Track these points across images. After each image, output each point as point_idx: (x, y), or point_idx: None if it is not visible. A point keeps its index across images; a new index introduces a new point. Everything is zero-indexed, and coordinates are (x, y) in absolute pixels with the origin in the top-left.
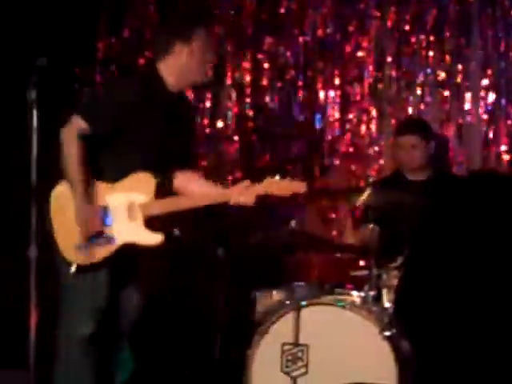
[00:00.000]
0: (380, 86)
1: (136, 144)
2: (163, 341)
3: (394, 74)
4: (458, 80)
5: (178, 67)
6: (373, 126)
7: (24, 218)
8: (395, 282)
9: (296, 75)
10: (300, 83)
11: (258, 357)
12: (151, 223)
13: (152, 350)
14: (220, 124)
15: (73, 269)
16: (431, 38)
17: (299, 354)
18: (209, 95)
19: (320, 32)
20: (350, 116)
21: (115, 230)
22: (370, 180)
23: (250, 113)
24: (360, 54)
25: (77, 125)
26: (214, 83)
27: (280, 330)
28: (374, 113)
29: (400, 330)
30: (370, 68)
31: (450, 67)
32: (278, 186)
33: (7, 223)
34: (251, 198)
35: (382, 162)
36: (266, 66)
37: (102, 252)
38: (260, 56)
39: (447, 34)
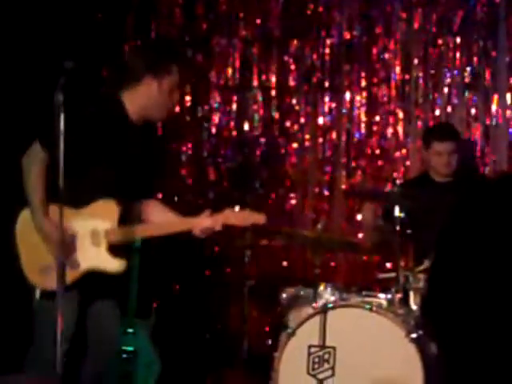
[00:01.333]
0: (407, 88)
1: (97, 170)
2: (187, 343)
3: (420, 75)
4: (485, 82)
5: (142, 99)
6: (400, 128)
7: None
8: (422, 284)
9: (322, 77)
10: (327, 85)
11: (285, 359)
12: (116, 250)
13: (177, 353)
14: (246, 127)
15: (37, 294)
16: (458, 40)
17: (326, 357)
18: (235, 98)
19: (346, 34)
20: (377, 118)
21: (79, 255)
22: (397, 182)
23: (277, 115)
24: (387, 55)
25: (36, 152)
26: (240, 86)
27: (307, 332)
28: (400, 115)
29: (426, 332)
30: (397, 70)
31: (477, 69)
32: (237, 216)
33: None
34: (211, 228)
35: (408, 164)
36: (292, 68)
37: (66, 278)
38: (286, 58)
39: (474, 35)
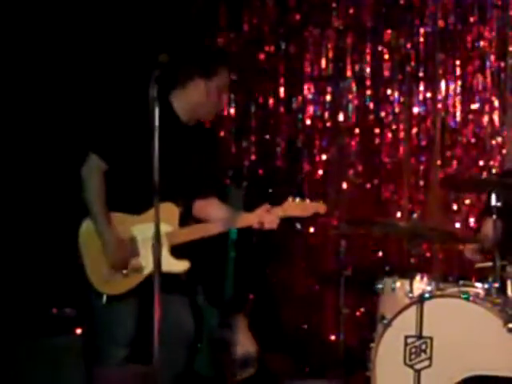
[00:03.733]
0: (502, 75)
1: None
2: (283, 333)
3: None
4: None
5: (191, 99)
6: (495, 117)
7: None
8: None
9: (417, 67)
10: (421, 75)
11: (382, 349)
12: (178, 251)
13: (274, 343)
14: (341, 117)
15: (103, 300)
16: None
17: (423, 347)
18: (329, 88)
19: (441, 23)
20: (472, 107)
21: (143, 260)
22: (493, 171)
23: (371, 105)
24: (482, 43)
25: (94, 163)
26: (334, 77)
27: (403, 323)
28: (496, 103)
29: None
30: (492, 58)
31: None
32: (298, 207)
33: None
34: (272, 222)
35: (504, 152)
36: (386, 57)
37: (131, 282)
38: (380, 48)
39: None
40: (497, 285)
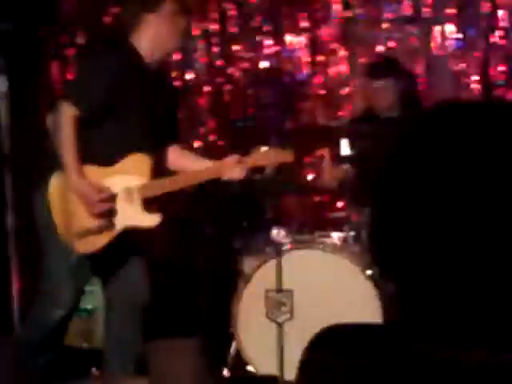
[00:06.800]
0: (348, 25)
1: (125, 123)
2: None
3: (361, 12)
4: (426, 14)
5: (149, 37)
6: (343, 67)
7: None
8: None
9: (263, 21)
10: (267, 29)
11: (244, 304)
12: (149, 205)
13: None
14: (190, 76)
15: (73, 261)
16: None
17: (283, 300)
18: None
19: None
20: (320, 58)
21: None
22: (343, 120)
23: (219, 63)
24: None
25: (67, 110)
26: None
27: (263, 277)
28: (342, 53)
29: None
30: (337, 8)
31: (417, 1)
32: (266, 156)
33: None
34: (242, 172)
35: (354, 101)
36: (232, 14)
37: (102, 239)
38: (226, 5)
39: None
40: (352, 233)
